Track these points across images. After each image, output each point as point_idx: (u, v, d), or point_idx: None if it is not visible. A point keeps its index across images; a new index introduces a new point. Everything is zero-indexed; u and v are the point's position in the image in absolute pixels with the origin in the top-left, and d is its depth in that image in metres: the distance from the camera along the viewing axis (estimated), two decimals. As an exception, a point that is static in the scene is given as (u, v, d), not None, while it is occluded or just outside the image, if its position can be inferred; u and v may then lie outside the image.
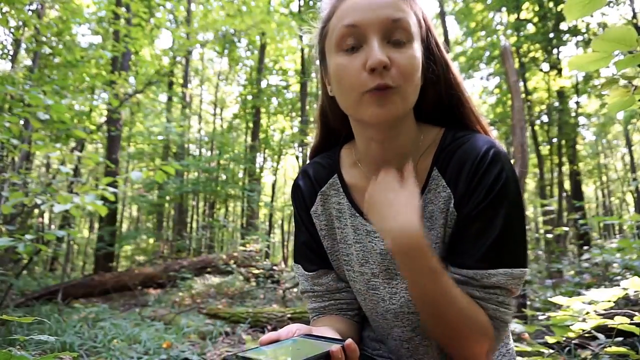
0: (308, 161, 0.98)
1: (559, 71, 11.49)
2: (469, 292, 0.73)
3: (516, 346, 1.77)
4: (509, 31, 12.10)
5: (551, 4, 10.63)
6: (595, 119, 13.99)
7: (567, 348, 2.07)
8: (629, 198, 18.55)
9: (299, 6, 13.48)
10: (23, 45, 7.82)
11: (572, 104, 12.10)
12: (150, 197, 12.82)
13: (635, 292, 1.55)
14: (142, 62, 10.28)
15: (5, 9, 5.05)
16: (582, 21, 10.38)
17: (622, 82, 1.18)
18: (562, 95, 11.82)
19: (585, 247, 5.41)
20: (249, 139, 14.96)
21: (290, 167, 19.95)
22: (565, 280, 4.55)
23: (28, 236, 2.56)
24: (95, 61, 7.67)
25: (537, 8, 11.12)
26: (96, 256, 9.48)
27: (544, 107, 12.66)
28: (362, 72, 0.70)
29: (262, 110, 14.85)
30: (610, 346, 1.61)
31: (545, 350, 1.75)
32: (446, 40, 9.51)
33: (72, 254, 14.36)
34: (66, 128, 4.64)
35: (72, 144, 8.51)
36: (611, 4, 10.18)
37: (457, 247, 0.76)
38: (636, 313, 1.57)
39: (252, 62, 15.21)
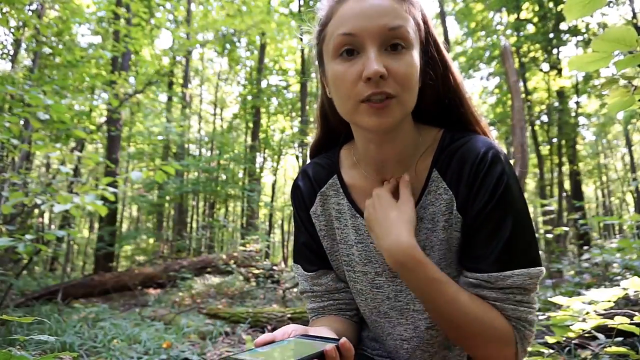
0: (308, 160, 0.98)
1: (559, 71, 11.49)
2: (484, 295, 0.73)
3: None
4: (509, 31, 12.11)
5: (551, 4, 10.64)
6: (595, 119, 13.99)
7: (567, 348, 2.07)
8: (629, 198, 18.55)
9: (299, 6, 13.48)
10: (23, 45, 7.82)
11: (572, 104, 12.11)
12: (150, 197, 12.82)
13: (635, 292, 1.55)
14: (142, 62, 10.28)
15: (6, 9, 5.05)
16: (582, 21, 10.38)
17: (622, 82, 1.18)
18: (562, 95, 11.82)
19: (585, 247, 5.41)
20: (249, 139, 14.96)
21: (290, 167, 19.95)
22: (565, 280, 4.55)
23: (28, 236, 2.56)
24: (95, 61, 7.66)
25: (537, 8, 11.13)
26: (96, 256, 9.48)
27: (544, 107, 12.67)
28: (359, 81, 0.70)
29: (262, 110, 14.85)
30: (610, 346, 1.61)
31: (545, 350, 1.75)
32: (446, 40, 9.50)
33: (72, 254, 14.35)
34: (66, 128, 4.64)
35: (72, 144, 8.52)
36: (611, 4, 10.18)
37: (470, 253, 0.76)
38: (636, 313, 1.56)
39: (252, 62, 15.21)
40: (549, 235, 4.40)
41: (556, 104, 11.90)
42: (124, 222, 17.65)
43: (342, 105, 0.75)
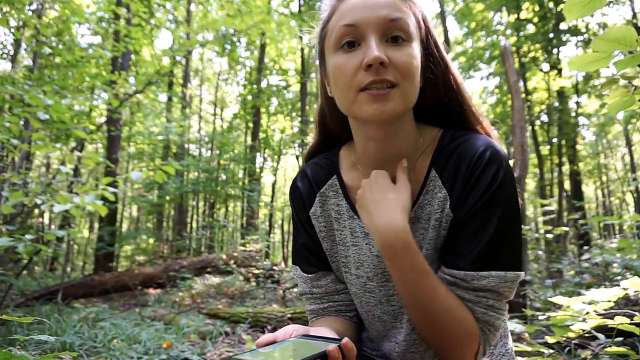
0: (304, 163, 0.98)
1: (559, 71, 11.50)
2: (458, 294, 0.73)
3: (516, 346, 1.77)
4: (508, 31, 12.11)
5: (551, 4, 10.64)
6: (595, 119, 13.99)
7: (567, 348, 2.07)
8: (629, 198, 18.55)
9: (299, 6, 13.48)
10: (23, 45, 7.82)
11: (572, 104, 12.11)
12: (150, 197, 12.82)
13: (635, 292, 1.55)
14: (142, 62, 10.28)
15: (6, 9, 5.05)
16: (582, 21, 10.38)
17: (622, 82, 1.18)
18: (562, 95, 11.83)
19: (585, 247, 5.41)
20: (249, 139, 14.96)
21: (290, 167, 19.95)
22: (565, 280, 4.55)
23: (28, 236, 2.56)
24: (95, 61, 7.67)
25: (537, 8, 11.13)
26: (96, 256, 9.48)
27: (544, 107, 12.67)
28: (360, 70, 0.70)
29: (262, 110, 14.85)
30: (610, 346, 1.61)
31: (545, 350, 1.75)
32: (446, 40, 9.51)
33: (72, 254, 14.35)
34: (66, 128, 4.63)
35: (72, 144, 8.52)
36: (611, 4, 10.18)
37: (450, 248, 0.76)
38: (636, 313, 1.57)
39: (252, 62, 15.21)
40: (549, 235, 4.40)
41: (556, 104, 11.90)
42: (124, 222, 17.66)
43: (341, 97, 0.75)
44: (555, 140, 12.23)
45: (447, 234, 0.77)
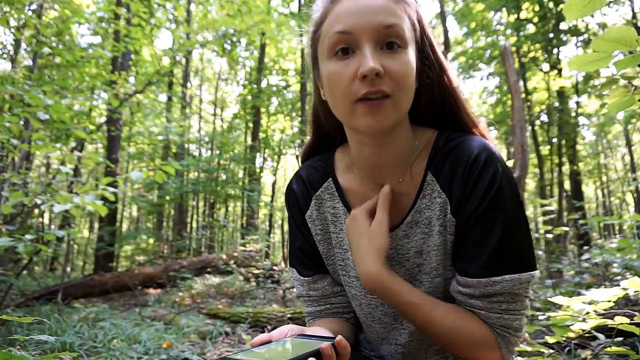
0: (300, 163, 0.97)
1: (559, 71, 11.50)
2: (471, 303, 0.73)
3: (516, 346, 1.76)
4: (508, 31, 12.11)
5: (551, 4, 10.64)
6: (595, 119, 13.99)
7: (567, 348, 2.07)
8: (629, 198, 18.55)
9: (299, 6, 13.48)
10: (23, 45, 7.82)
11: (572, 104, 12.11)
12: (150, 197, 12.82)
13: (635, 292, 1.55)
14: (142, 62, 10.28)
15: (6, 9, 5.05)
16: (582, 21, 10.38)
17: (622, 82, 1.17)
18: (562, 95, 11.83)
19: (585, 247, 5.41)
20: (249, 139, 14.96)
21: (290, 167, 19.95)
22: (565, 280, 4.55)
23: (28, 236, 2.56)
24: (95, 61, 7.66)
25: (537, 8, 11.13)
26: (96, 256, 9.48)
27: (544, 107, 12.67)
28: (355, 80, 0.69)
29: (262, 110, 14.85)
30: (610, 346, 1.61)
31: (545, 350, 1.75)
32: (446, 40, 9.51)
33: (72, 254, 14.35)
34: (66, 128, 4.63)
35: (72, 144, 8.51)
36: (611, 4, 10.18)
37: (460, 255, 0.76)
38: (636, 313, 1.57)
39: (252, 62, 15.21)
40: (549, 235, 4.40)
41: (556, 104, 11.90)
42: (124, 222, 17.66)
43: (337, 107, 0.74)
44: (555, 140, 12.23)
45: (454, 239, 0.76)
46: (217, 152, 13.93)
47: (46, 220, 12.52)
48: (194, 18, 12.03)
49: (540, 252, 5.66)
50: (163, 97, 13.64)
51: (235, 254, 7.56)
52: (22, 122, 4.91)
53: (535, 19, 11.33)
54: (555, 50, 11.53)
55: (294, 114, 15.50)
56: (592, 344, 2.01)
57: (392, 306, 0.77)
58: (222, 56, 15.40)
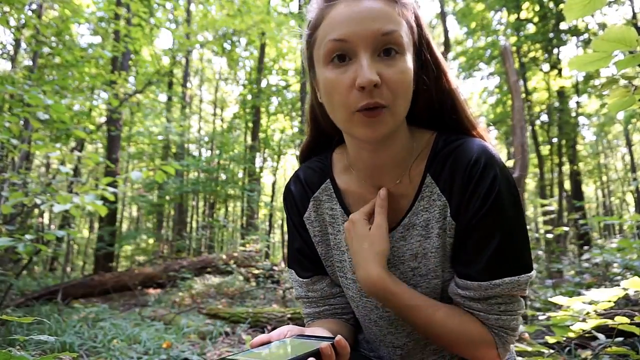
0: (298, 162, 0.97)
1: (559, 71, 11.50)
2: (470, 306, 0.74)
3: (516, 346, 1.77)
4: (509, 31, 12.11)
5: (551, 4, 10.64)
6: (595, 119, 13.99)
7: (567, 348, 2.07)
8: (629, 198, 18.55)
9: (299, 6, 13.47)
10: (23, 45, 7.82)
11: (572, 104, 12.11)
12: (150, 197, 12.82)
13: (635, 292, 1.55)
14: (142, 62, 10.28)
15: (6, 8, 5.05)
16: (582, 21, 10.38)
17: (622, 82, 1.17)
18: (562, 95, 11.83)
19: (586, 247, 5.42)
20: (249, 139, 14.96)
21: (290, 167, 19.94)
22: (566, 280, 4.55)
23: (28, 236, 2.56)
24: (95, 61, 7.66)
25: (537, 8, 11.13)
26: (96, 256, 9.48)
27: (544, 107, 12.67)
28: (352, 89, 0.68)
29: (262, 110, 14.85)
30: (610, 346, 1.60)
31: (546, 350, 1.75)
32: (446, 40, 9.50)
33: (72, 254, 14.35)
34: (66, 128, 4.63)
35: (72, 144, 8.51)
36: (611, 4, 10.18)
37: (459, 258, 0.76)
38: (636, 313, 1.57)
39: (252, 62, 15.22)
40: (549, 235, 4.39)
41: (556, 104, 11.90)
42: (124, 222, 17.66)
43: (335, 114, 0.74)
44: (555, 140, 12.23)
45: (453, 242, 0.77)
46: (217, 152, 13.93)
47: (46, 220, 12.52)
48: (194, 18, 12.03)
49: (540, 252, 5.66)
50: (163, 97, 13.64)
51: (235, 254, 7.56)
52: (22, 122, 4.91)
53: (535, 19, 11.34)
54: (555, 50, 11.54)
55: (294, 114, 15.50)
56: (592, 344, 2.01)
57: (393, 310, 0.77)
58: (222, 56, 15.40)
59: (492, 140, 0.83)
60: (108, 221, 9.14)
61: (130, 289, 6.42)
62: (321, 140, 0.92)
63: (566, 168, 12.03)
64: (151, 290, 6.76)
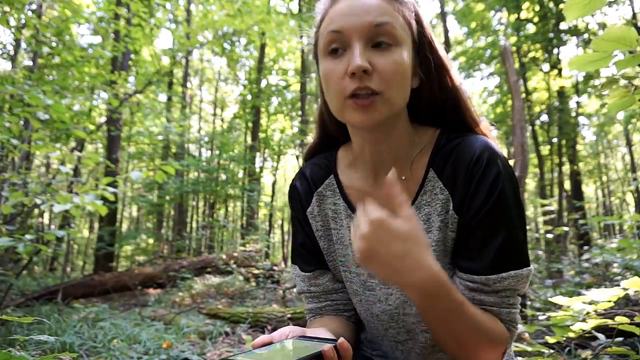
0: (304, 162, 0.98)
1: (559, 71, 11.49)
2: (481, 299, 0.73)
3: (516, 346, 1.77)
4: (509, 31, 12.11)
5: (551, 4, 10.64)
6: (595, 119, 13.99)
7: (567, 348, 2.07)
8: (629, 198, 18.55)
9: (299, 6, 13.48)
10: (23, 45, 7.82)
11: (572, 104, 12.11)
12: (150, 197, 12.82)
13: (635, 292, 1.55)
14: (142, 62, 10.28)
15: (6, 8, 5.05)
16: (582, 21, 10.38)
17: (622, 82, 1.18)
18: (562, 95, 11.83)
19: (586, 247, 5.42)
20: (249, 139, 14.97)
21: (290, 167, 19.94)
22: (566, 280, 4.55)
23: (28, 236, 2.56)
24: (95, 61, 7.66)
25: (537, 8, 11.13)
26: (96, 256, 9.48)
27: (544, 107, 12.67)
28: (345, 77, 0.71)
29: (262, 110, 14.85)
30: (610, 346, 1.61)
31: (546, 350, 1.75)
32: (446, 40, 9.51)
33: (72, 254, 14.36)
34: (66, 128, 4.64)
35: (72, 144, 8.52)
36: (611, 4, 10.18)
37: (464, 254, 0.76)
38: (636, 313, 1.57)
39: (252, 62, 15.22)
40: (549, 235, 4.40)
41: (556, 104, 11.90)
42: (124, 222, 17.66)
43: (331, 103, 0.76)
44: (555, 140, 12.23)
45: (456, 237, 0.77)
46: (217, 152, 13.93)
47: (46, 220, 12.52)
48: (194, 18, 12.03)
49: (540, 252, 5.66)
50: (163, 97, 13.64)
51: (235, 254, 7.56)
52: (22, 122, 4.91)
53: (535, 19, 11.33)
54: (555, 50, 11.53)
55: (293, 114, 15.50)
56: (592, 344, 2.01)
57: (437, 312, 0.68)
58: (221, 56, 15.40)
59: (494, 138, 0.83)
60: (108, 221, 9.14)
61: (130, 289, 6.42)
62: (327, 143, 0.94)
63: (566, 168, 12.03)
64: (151, 290, 6.76)
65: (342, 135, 0.89)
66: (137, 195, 13.10)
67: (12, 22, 5.81)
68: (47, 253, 10.16)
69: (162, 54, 10.82)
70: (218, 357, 2.79)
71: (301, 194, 0.91)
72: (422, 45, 0.79)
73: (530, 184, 15.61)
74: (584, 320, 1.50)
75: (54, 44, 7.10)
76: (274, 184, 16.19)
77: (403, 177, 0.81)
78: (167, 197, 12.39)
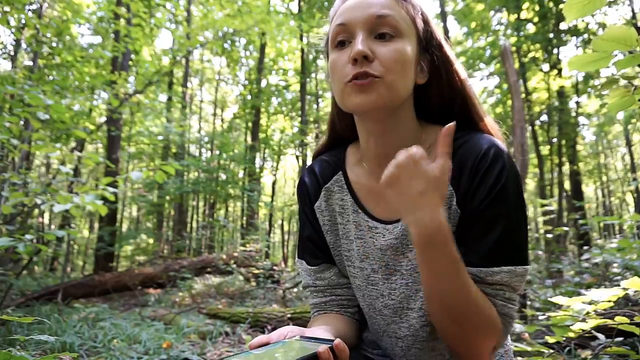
0: (309, 162, 1.00)
1: (559, 71, 11.49)
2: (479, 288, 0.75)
3: (516, 346, 1.77)
4: (509, 31, 12.11)
5: (551, 4, 10.64)
6: (595, 119, 13.99)
7: (567, 348, 2.07)
8: (629, 198, 18.56)
9: (299, 6, 13.48)
10: (23, 45, 7.82)
11: (572, 104, 12.10)
12: (150, 197, 12.82)
13: (635, 292, 1.55)
14: (142, 62, 10.28)
15: (6, 8, 5.05)
16: (582, 21, 10.38)
17: (622, 82, 1.18)
18: (562, 95, 11.82)
19: (585, 247, 5.41)
20: (249, 139, 14.97)
21: (290, 167, 19.94)
22: (565, 280, 4.55)
23: (28, 236, 2.56)
24: (95, 61, 7.66)
25: (537, 8, 11.13)
26: (96, 256, 9.48)
27: (544, 107, 12.66)
28: (348, 64, 0.75)
29: (262, 110, 14.86)
30: (610, 346, 1.61)
31: (546, 350, 1.75)
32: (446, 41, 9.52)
33: (72, 254, 14.36)
34: (66, 128, 4.64)
35: (72, 144, 8.52)
36: (611, 4, 10.18)
37: (461, 245, 0.77)
38: (636, 313, 1.57)
39: (252, 62, 15.22)
40: (549, 235, 4.40)
41: (556, 104, 11.89)
42: (124, 222, 17.66)
43: (335, 92, 0.80)
44: (555, 140, 12.23)
45: (456, 230, 0.79)
46: (217, 152, 13.93)
47: (46, 220, 12.53)
48: (194, 18, 12.03)
49: (540, 252, 5.66)
50: (163, 97, 13.64)
51: (235, 254, 7.56)
52: (22, 122, 4.91)
53: (535, 19, 11.33)
54: (555, 50, 11.52)
55: (293, 114, 15.51)
56: (592, 344, 2.01)
57: (435, 263, 0.69)
58: (221, 56, 15.40)
59: (500, 135, 0.86)
60: (108, 221, 9.15)
61: (130, 289, 6.43)
62: (336, 144, 0.97)
63: (566, 168, 12.02)
64: (151, 290, 6.77)
65: (351, 135, 0.91)
66: (137, 195, 13.11)
67: (13, 22, 5.82)
68: (47, 253, 10.16)
69: (162, 54, 10.83)
70: (218, 357, 2.79)
71: (309, 188, 0.94)
72: (429, 43, 0.81)
73: (530, 184, 15.60)
74: (583, 320, 1.50)
75: (54, 44, 7.10)
76: (274, 184, 16.20)
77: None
78: (167, 197, 12.39)
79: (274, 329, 3.53)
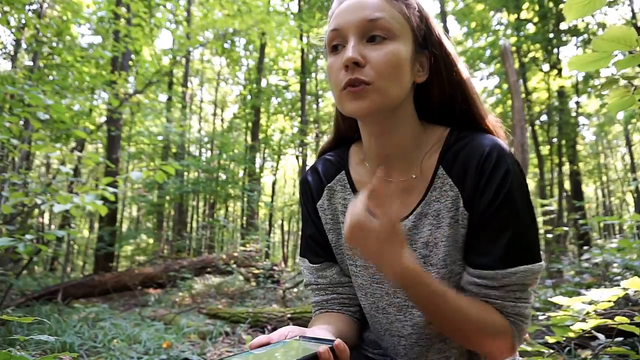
0: (311, 161, 1.00)
1: (559, 71, 11.49)
2: (487, 294, 0.75)
3: (516, 346, 1.76)
4: (508, 31, 12.10)
5: (551, 4, 10.64)
6: (595, 119, 13.99)
7: (567, 348, 2.07)
8: (629, 198, 18.56)
9: (299, 6, 13.48)
10: (23, 45, 7.82)
11: (572, 104, 12.10)
12: (150, 197, 12.82)
13: (635, 292, 1.55)
14: (142, 62, 10.28)
15: (6, 8, 5.05)
16: (582, 21, 10.38)
17: (622, 82, 1.18)
18: (562, 95, 11.82)
19: (585, 247, 5.41)
20: (249, 139, 14.96)
21: (290, 167, 19.94)
22: (565, 280, 4.55)
23: (28, 236, 2.56)
24: (95, 61, 7.66)
25: (537, 8, 11.13)
26: (96, 256, 9.48)
27: (544, 107, 12.66)
28: (341, 70, 0.75)
29: (262, 110, 14.85)
30: (610, 346, 1.61)
31: (546, 350, 1.75)
32: (446, 40, 9.52)
33: (72, 254, 14.36)
34: (66, 128, 4.64)
35: (72, 144, 8.52)
36: (611, 4, 10.18)
37: (473, 249, 0.78)
38: (636, 313, 1.57)
39: (252, 62, 15.22)
40: (549, 235, 4.39)
41: (556, 104, 11.89)
42: (124, 222, 17.65)
43: (333, 96, 0.80)
44: (555, 140, 12.23)
45: (466, 234, 0.79)
46: (217, 152, 13.93)
47: (46, 220, 12.53)
48: (194, 18, 12.03)
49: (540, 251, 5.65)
50: (163, 97, 13.64)
51: (235, 254, 7.56)
52: (22, 122, 4.91)
53: (535, 19, 11.33)
54: (555, 50, 11.52)
55: (293, 114, 15.51)
56: (592, 344, 2.01)
57: (419, 300, 0.73)
58: (221, 56, 15.40)
59: (502, 133, 0.85)
60: (108, 221, 9.14)
61: (130, 289, 6.42)
62: (341, 143, 0.98)
63: (566, 168, 12.02)
64: (151, 290, 6.76)
65: (354, 134, 0.92)
66: (137, 195, 13.11)
67: (13, 22, 5.81)
68: (47, 253, 10.16)
69: (162, 54, 10.82)
70: (218, 357, 2.79)
71: (312, 187, 0.94)
72: (428, 41, 0.80)
73: (530, 184, 15.60)
74: (583, 320, 1.50)
75: (54, 44, 7.09)
76: (274, 184, 16.20)
77: (413, 176, 0.83)
78: (167, 197, 12.39)
79: (274, 329, 3.53)
